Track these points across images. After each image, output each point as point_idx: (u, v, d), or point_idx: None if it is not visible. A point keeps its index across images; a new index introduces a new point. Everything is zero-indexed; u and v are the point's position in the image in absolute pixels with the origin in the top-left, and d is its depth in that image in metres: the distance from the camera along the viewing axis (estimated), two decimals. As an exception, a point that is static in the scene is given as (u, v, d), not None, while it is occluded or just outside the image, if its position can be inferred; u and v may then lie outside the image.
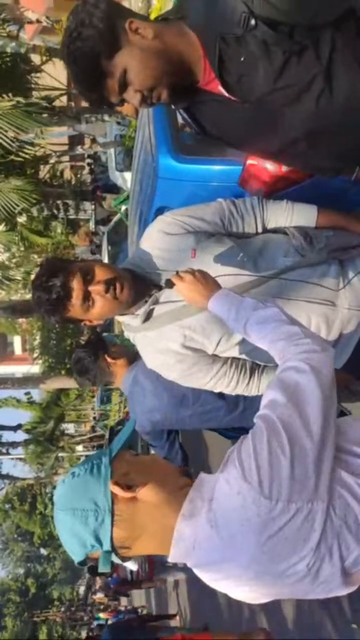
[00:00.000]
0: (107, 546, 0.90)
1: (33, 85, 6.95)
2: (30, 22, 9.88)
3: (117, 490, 0.89)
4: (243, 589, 0.89)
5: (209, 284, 1.31)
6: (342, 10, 1.10)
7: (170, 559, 0.90)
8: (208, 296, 1.28)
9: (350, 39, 1.14)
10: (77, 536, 0.91)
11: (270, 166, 2.11)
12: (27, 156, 6.68)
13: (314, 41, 1.12)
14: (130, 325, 1.51)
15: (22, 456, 18.67)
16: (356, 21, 1.14)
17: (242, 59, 1.15)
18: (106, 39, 1.16)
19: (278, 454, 0.84)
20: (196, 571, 0.91)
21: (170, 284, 1.37)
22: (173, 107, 1.37)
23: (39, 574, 33.11)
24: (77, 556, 0.93)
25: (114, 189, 11.56)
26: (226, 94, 1.23)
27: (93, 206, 14.17)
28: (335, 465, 0.89)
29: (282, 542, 0.82)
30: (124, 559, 0.93)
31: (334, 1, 1.10)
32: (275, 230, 1.53)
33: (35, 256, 13.58)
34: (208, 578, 0.91)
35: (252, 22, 1.09)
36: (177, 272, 1.35)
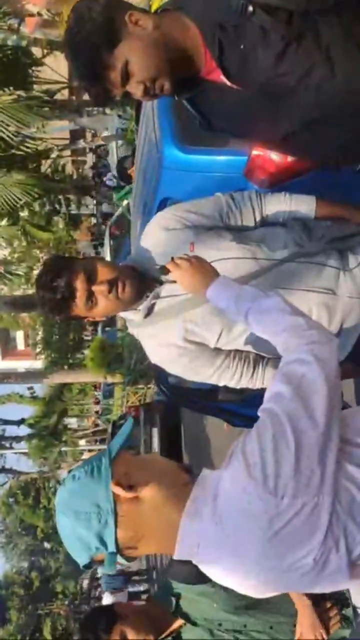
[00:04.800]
0: (111, 548, 0.89)
1: (34, 79, 6.91)
2: (31, 15, 9.82)
3: (118, 490, 0.89)
4: (250, 583, 0.90)
5: (207, 270, 1.28)
6: None
7: (176, 557, 0.90)
8: (206, 284, 1.25)
9: (349, 24, 1.13)
10: (81, 539, 0.90)
11: (275, 157, 2.10)
12: (28, 150, 6.67)
13: (312, 27, 1.12)
14: (132, 320, 1.52)
15: (26, 450, 18.75)
16: (355, 5, 1.13)
17: (241, 46, 1.15)
18: (106, 32, 1.16)
19: (283, 449, 0.84)
20: (202, 567, 0.91)
21: (165, 271, 1.36)
22: (176, 98, 1.36)
23: (43, 567, 33.30)
24: (81, 559, 0.92)
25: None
26: (228, 83, 1.22)
27: (95, 201, 14.14)
28: (340, 458, 0.89)
29: (288, 537, 0.82)
30: (130, 559, 0.93)
31: None
32: (274, 223, 1.53)
33: (37, 251, 13.58)
34: (214, 574, 0.91)
35: (250, 9, 1.09)
36: (173, 259, 1.34)
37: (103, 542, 0.89)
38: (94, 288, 1.39)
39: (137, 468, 0.93)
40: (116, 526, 0.88)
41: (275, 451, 0.84)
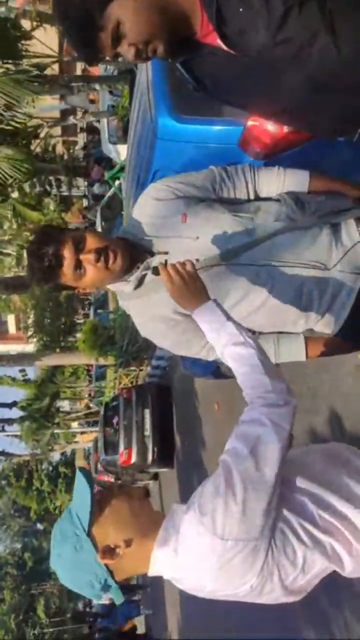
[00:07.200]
0: (114, 589, 1.13)
1: (24, 53, 6.73)
2: (20, -13, 9.53)
3: (106, 561, 1.09)
4: (207, 594, 1.13)
5: (197, 290, 1.30)
6: None
7: (150, 574, 1.12)
8: (194, 304, 1.30)
9: None
10: (88, 593, 1.15)
11: (271, 127, 2.06)
12: (18, 125, 6.53)
13: None
14: (123, 292, 1.51)
15: (18, 433, 18.77)
16: None
17: (240, 9, 1.10)
18: None
19: (231, 501, 1.02)
20: (173, 582, 1.12)
21: (156, 272, 1.36)
22: (170, 61, 1.31)
23: (36, 548, 33.68)
24: (95, 598, 1.19)
25: (108, 161, 11.36)
26: (225, 48, 1.18)
27: (86, 182, 13.94)
28: (279, 505, 1.06)
29: (232, 569, 1.03)
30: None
31: None
32: (267, 197, 1.52)
33: (28, 233, 13.40)
34: (183, 587, 1.13)
35: None
36: (166, 263, 1.33)
37: (107, 589, 1.13)
38: (82, 257, 1.38)
39: (110, 525, 1.10)
40: (114, 579, 1.12)
41: (225, 504, 1.02)
